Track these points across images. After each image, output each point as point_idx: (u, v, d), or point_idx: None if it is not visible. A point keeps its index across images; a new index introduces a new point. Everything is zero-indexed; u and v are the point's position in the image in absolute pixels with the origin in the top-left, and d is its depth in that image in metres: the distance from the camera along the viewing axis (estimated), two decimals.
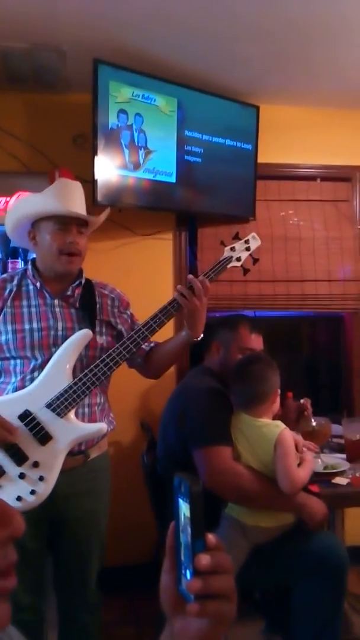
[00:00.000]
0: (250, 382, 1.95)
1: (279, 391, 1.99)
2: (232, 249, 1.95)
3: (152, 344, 1.99)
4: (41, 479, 1.64)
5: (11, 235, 1.94)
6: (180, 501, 0.61)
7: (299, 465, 1.86)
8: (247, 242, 1.98)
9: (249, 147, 2.97)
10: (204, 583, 0.58)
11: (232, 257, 1.94)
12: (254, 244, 1.99)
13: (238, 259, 1.95)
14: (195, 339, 1.88)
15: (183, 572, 0.61)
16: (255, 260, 2.01)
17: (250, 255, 1.98)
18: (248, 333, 2.22)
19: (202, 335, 1.88)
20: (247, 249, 1.97)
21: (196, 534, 0.59)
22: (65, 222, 1.80)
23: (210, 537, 0.60)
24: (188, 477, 0.61)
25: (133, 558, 2.77)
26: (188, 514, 0.60)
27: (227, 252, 1.95)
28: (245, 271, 1.99)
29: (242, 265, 1.97)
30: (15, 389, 1.76)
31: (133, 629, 2.51)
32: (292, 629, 1.91)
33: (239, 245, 1.97)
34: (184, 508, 0.61)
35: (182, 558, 0.62)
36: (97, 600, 1.93)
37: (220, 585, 0.59)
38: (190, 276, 1.83)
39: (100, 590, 1.93)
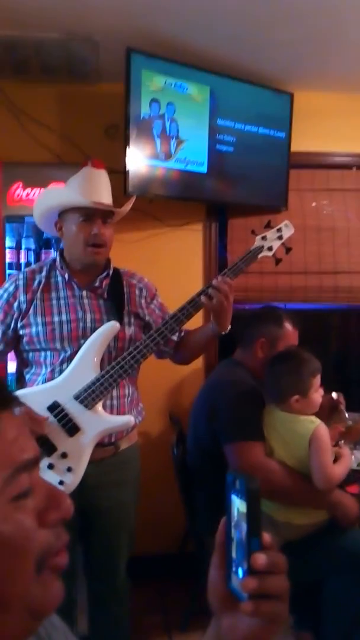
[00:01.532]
0: (281, 377, 1.92)
1: (317, 389, 1.93)
2: (264, 238, 1.90)
3: (181, 334, 1.98)
4: (69, 469, 1.66)
5: (39, 225, 1.95)
6: (234, 497, 0.61)
7: (334, 461, 1.83)
8: (279, 230, 1.91)
9: (282, 135, 2.92)
10: (259, 583, 0.58)
11: (263, 246, 1.89)
12: (287, 232, 1.92)
13: (269, 249, 1.89)
14: (223, 333, 1.85)
15: (234, 569, 0.61)
16: (288, 250, 1.94)
17: (282, 244, 1.91)
18: (291, 329, 2.16)
19: (229, 328, 1.85)
20: (280, 237, 1.90)
21: (252, 532, 0.59)
22: (90, 214, 1.79)
23: (266, 536, 0.60)
24: (243, 474, 0.60)
25: (161, 548, 2.79)
26: (244, 510, 0.59)
27: (258, 241, 1.90)
28: (278, 261, 1.93)
29: (274, 255, 1.91)
30: (45, 381, 1.78)
31: (160, 618, 2.54)
32: (323, 626, 1.89)
33: (270, 234, 1.90)
34: (239, 504, 0.60)
35: (234, 555, 0.61)
36: (126, 589, 1.94)
37: (276, 585, 0.59)
38: (214, 282, 1.76)
39: (130, 579, 1.95)
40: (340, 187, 3.13)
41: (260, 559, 0.58)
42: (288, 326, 2.16)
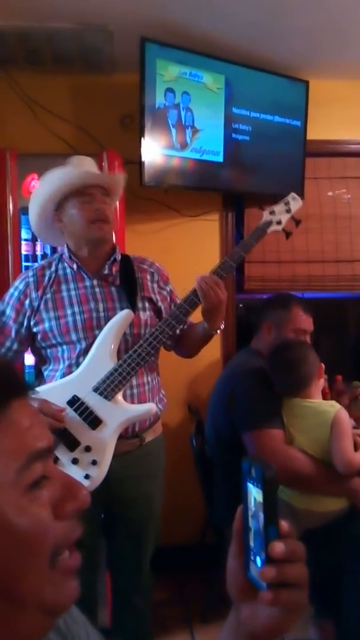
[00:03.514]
0: (292, 369, 1.92)
1: (322, 366, 1.95)
2: (272, 212, 1.87)
3: (184, 327, 1.95)
4: (94, 463, 1.64)
5: (38, 230, 1.88)
6: (250, 486, 0.60)
7: (354, 449, 1.82)
8: (287, 203, 1.89)
9: (298, 123, 2.89)
10: (278, 571, 0.57)
11: (272, 220, 1.87)
12: (295, 204, 1.90)
13: (279, 222, 1.87)
14: (214, 333, 1.83)
15: (252, 558, 0.60)
16: (298, 222, 1.92)
17: (292, 217, 1.89)
18: (301, 313, 2.16)
19: (222, 327, 1.82)
20: (288, 210, 1.88)
21: (269, 520, 0.58)
22: (88, 194, 1.76)
23: (284, 524, 0.59)
24: (259, 461, 0.59)
25: (181, 539, 2.79)
26: (260, 499, 0.58)
27: (266, 215, 1.88)
28: (288, 234, 1.92)
29: (283, 229, 1.89)
30: (63, 375, 1.75)
31: (181, 609, 2.54)
32: (344, 615, 1.88)
33: (278, 207, 1.88)
34: (255, 493, 0.59)
35: (252, 544, 0.60)
36: (150, 582, 1.93)
37: (294, 574, 0.58)
38: (201, 276, 1.73)
39: (153, 572, 1.95)
40: (356, 175, 3.10)
41: (278, 547, 0.57)
42: (296, 310, 2.16)
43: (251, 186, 2.86)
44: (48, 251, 2.59)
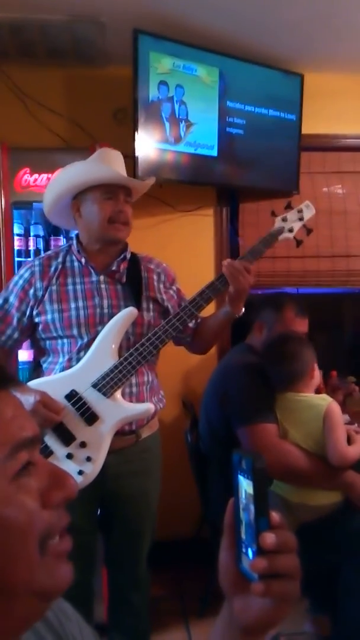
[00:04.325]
0: (286, 362, 1.92)
1: (316, 365, 1.96)
2: (284, 219, 1.85)
3: (198, 320, 1.95)
4: (88, 459, 1.63)
5: (50, 211, 1.86)
6: (241, 478, 0.60)
7: (349, 443, 1.83)
8: (300, 211, 1.86)
9: (293, 117, 2.88)
10: (269, 562, 0.57)
11: (283, 228, 1.84)
12: (308, 213, 1.87)
13: (290, 230, 1.85)
14: (237, 316, 1.83)
15: (244, 550, 0.60)
16: (309, 231, 1.90)
17: (303, 225, 1.87)
18: (293, 316, 2.15)
19: (243, 311, 1.83)
20: (301, 218, 1.86)
21: (260, 511, 0.58)
22: (112, 191, 1.75)
23: (274, 515, 0.59)
24: (250, 453, 0.59)
25: (177, 534, 2.78)
26: (251, 491, 0.58)
27: (278, 222, 1.85)
28: (299, 243, 1.89)
29: (294, 237, 1.87)
30: (63, 369, 1.74)
31: (178, 604, 2.54)
32: (341, 609, 1.88)
33: (291, 215, 1.86)
34: (246, 485, 0.59)
35: (243, 536, 0.60)
36: (147, 579, 1.93)
37: (286, 564, 0.58)
38: (229, 260, 1.75)
39: (150, 569, 1.94)
40: (351, 169, 3.09)
41: (269, 538, 0.57)
42: (288, 312, 2.15)
43: (246, 181, 2.84)
44: (41, 246, 2.57)
